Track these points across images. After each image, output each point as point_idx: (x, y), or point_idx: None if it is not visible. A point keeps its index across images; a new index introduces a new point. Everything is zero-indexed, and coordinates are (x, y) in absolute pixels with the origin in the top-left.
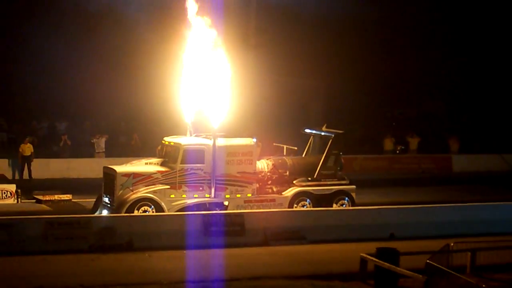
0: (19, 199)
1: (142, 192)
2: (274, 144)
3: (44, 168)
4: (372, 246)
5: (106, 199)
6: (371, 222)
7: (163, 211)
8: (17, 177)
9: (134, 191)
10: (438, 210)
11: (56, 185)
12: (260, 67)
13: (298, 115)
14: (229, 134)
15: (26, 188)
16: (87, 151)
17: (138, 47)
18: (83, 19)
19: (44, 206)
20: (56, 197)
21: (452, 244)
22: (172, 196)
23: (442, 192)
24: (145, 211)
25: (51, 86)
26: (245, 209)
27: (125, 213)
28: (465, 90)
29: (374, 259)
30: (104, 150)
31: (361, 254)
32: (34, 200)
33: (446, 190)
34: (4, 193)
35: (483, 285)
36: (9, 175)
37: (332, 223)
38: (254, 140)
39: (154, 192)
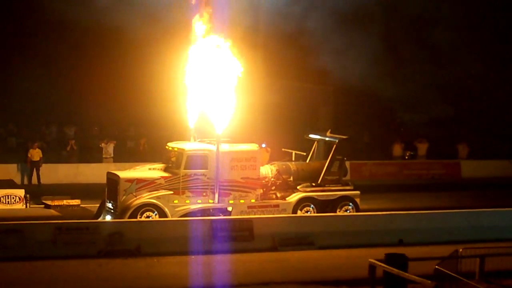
0: (27, 204)
1: (146, 197)
2: (283, 149)
3: (53, 173)
4: (381, 252)
5: (110, 205)
6: (380, 228)
7: (166, 217)
8: (26, 182)
9: (138, 197)
10: (447, 216)
11: (65, 190)
12: (268, 71)
13: (307, 120)
14: (237, 140)
15: (35, 193)
16: (96, 156)
17: (145, 51)
18: (90, 26)
19: (52, 211)
20: (65, 202)
21: (461, 250)
22: (176, 201)
23: (451, 198)
24: (148, 216)
25: (60, 91)
26: (249, 214)
27: (128, 218)
28: (474, 95)
29: (382, 265)
30: (112, 155)
31: (370, 260)
32: (43, 205)
33: (455, 196)
34: (13, 198)
35: None
36: (18, 180)
37: (341, 229)
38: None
39: (157, 197)
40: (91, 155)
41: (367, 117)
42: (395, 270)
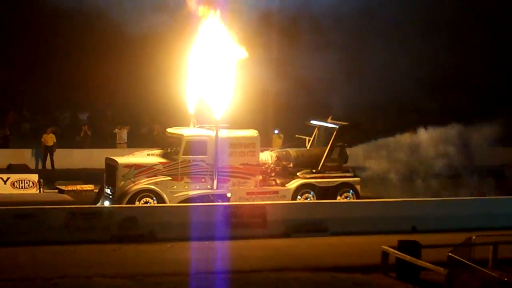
0: (41, 189)
1: (144, 183)
2: (297, 136)
3: (67, 158)
4: (394, 238)
5: (108, 190)
6: (393, 215)
7: (165, 203)
8: (39, 167)
9: (136, 183)
10: (460, 203)
11: (79, 175)
12: (278, 59)
13: (318, 107)
14: (248, 126)
15: (49, 178)
16: (110, 142)
17: (159, 37)
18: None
19: (66, 196)
20: (79, 187)
21: (474, 237)
22: (174, 187)
23: (464, 185)
24: (146, 202)
25: (73, 76)
26: (248, 201)
27: (126, 204)
28: (488, 82)
29: (395, 251)
30: (126, 141)
31: (383, 247)
32: (57, 190)
33: (468, 183)
34: (27, 183)
35: (505, 278)
36: (32, 165)
37: (354, 216)
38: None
39: (155, 183)
40: (104, 140)
41: (379, 105)
42: (408, 257)
